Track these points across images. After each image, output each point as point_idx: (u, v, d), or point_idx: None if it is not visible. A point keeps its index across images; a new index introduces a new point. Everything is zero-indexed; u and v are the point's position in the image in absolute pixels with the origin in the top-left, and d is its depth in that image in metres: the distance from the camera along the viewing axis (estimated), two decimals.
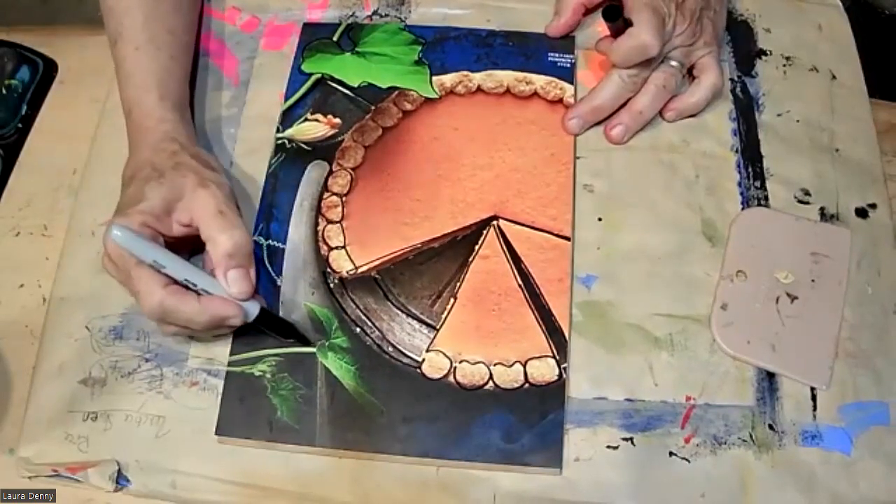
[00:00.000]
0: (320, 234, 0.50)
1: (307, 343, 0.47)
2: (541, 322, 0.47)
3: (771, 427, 0.45)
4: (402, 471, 0.44)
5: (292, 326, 0.47)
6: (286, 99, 0.54)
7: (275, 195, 0.51)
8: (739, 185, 0.52)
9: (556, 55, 0.55)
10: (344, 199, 0.51)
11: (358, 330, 0.47)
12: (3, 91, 0.57)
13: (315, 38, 0.57)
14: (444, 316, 0.48)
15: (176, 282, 0.42)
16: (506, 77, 0.55)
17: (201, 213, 0.43)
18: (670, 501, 0.44)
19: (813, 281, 0.48)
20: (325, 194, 0.51)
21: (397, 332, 0.47)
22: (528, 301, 0.48)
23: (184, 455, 0.45)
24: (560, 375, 0.46)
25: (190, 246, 0.47)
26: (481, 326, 0.47)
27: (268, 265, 0.49)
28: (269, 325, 0.46)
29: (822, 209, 0.51)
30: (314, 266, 0.49)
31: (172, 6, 0.51)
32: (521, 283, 0.48)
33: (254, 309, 0.44)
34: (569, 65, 0.55)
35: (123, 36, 0.49)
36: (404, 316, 0.48)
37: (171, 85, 0.49)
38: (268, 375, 0.46)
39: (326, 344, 0.47)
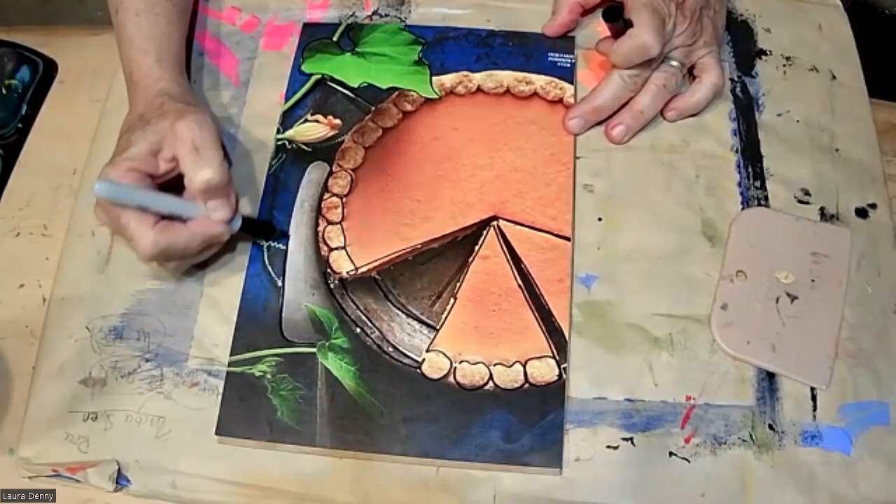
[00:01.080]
0: (320, 234, 0.50)
1: (285, 235, 0.50)
2: (541, 322, 0.47)
3: (771, 427, 0.45)
4: (403, 471, 0.44)
5: (271, 224, 0.50)
6: (286, 100, 0.55)
7: (275, 196, 0.51)
8: (739, 185, 0.52)
9: (556, 55, 0.55)
10: (344, 199, 0.51)
11: (358, 330, 0.47)
12: (3, 91, 0.57)
13: (315, 38, 0.57)
14: (444, 316, 0.48)
15: (164, 217, 0.45)
16: (506, 77, 0.55)
17: (179, 149, 0.45)
18: (670, 501, 0.44)
19: (813, 281, 0.48)
20: (326, 195, 0.51)
21: (397, 332, 0.47)
22: (528, 301, 0.48)
23: (184, 455, 0.45)
24: (560, 375, 0.46)
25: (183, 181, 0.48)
26: (481, 327, 0.47)
27: (269, 266, 0.49)
28: (252, 231, 0.50)
29: (822, 209, 0.51)
30: (314, 267, 0.49)
31: None
32: (521, 283, 0.48)
33: (237, 223, 0.47)
34: (569, 65, 0.55)
35: (124, 4, 0.51)
36: (404, 316, 0.48)
37: (168, 48, 0.51)
38: (268, 376, 0.46)
39: (327, 344, 0.47)
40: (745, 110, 0.54)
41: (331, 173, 0.52)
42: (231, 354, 0.47)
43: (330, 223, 0.50)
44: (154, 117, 0.46)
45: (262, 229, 0.50)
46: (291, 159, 0.52)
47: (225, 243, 0.48)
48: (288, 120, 0.54)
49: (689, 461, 0.44)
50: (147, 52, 0.50)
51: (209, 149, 0.45)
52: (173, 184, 0.46)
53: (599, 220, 0.51)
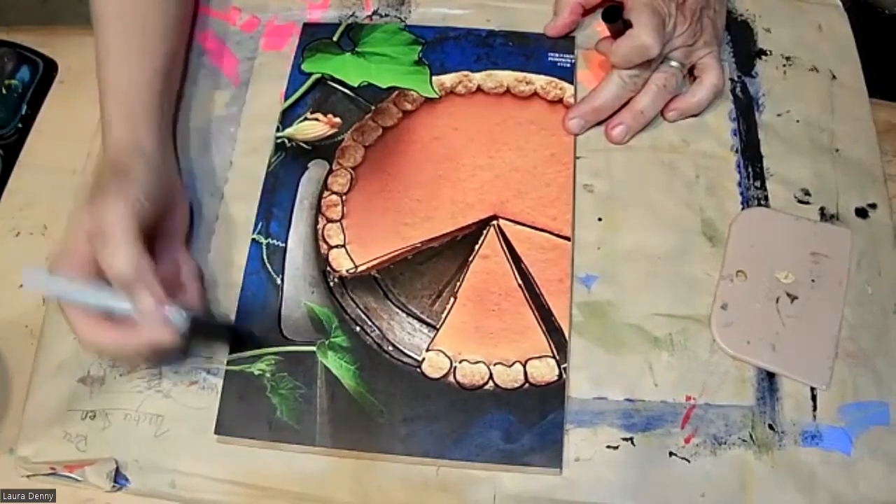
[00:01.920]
0: (320, 232, 0.50)
1: (254, 341, 0.46)
2: (541, 322, 0.47)
3: (771, 427, 0.45)
4: (403, 471, 0.44)
5: (233, 328, 0.46)
6: (286, 98, 0.55)
7: (275, 194, 0.51)
8: (739, 185, 0.52)
9: (556, 55, 0.55)
10: (344, 197, 0.51)
11: (358, 329, 0.47)
12: (3, 91, 0.57)
13: (315, 38, 0.57)
14: (444, 315, 0.48)
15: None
16: (506, 77, 0.55)
17: (91, 236, 0.41)
18: (670, 501, 0.44)
19: (813, 281, 0.48)
20: (325, 193, 0.51)
21: (397, 331, 0.47)
22: (528, 301, 0.48)
23: (183, 454, 0.45)
24: (560, 375, 0.46)
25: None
26: (481, 326, 0.47)
27: (268, 264, 0.49)
28: (207, 335, 0.46)
29: (822, 209, 0.51)
30: (314, 265, 0.49)
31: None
32: (521, 283, 0.48)
33: (184, 322, 0.41)
34: (569, 65, 0.55)
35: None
36: (404, 315, 0.48)
37: (142, 99, 0.48)
38: (267, 374, 0.46)
39: (326, 343, 0.47)
40: (745, 110, 0.54)
41: (330, 171, 0.52)
42: (230, 353, 0.47)
43: (330, 221, 0.50)
44: (95, 188, 0.43)
45: (222, 334, 0.46)
46: (291, 157, 0.52)
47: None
48: (287, 118, 0.54)
49: (689, 461, 0.44)
50: (119, 101, 0.47)
51: (118, 235, 0.40)
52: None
53: (599, 220, 0.51)
